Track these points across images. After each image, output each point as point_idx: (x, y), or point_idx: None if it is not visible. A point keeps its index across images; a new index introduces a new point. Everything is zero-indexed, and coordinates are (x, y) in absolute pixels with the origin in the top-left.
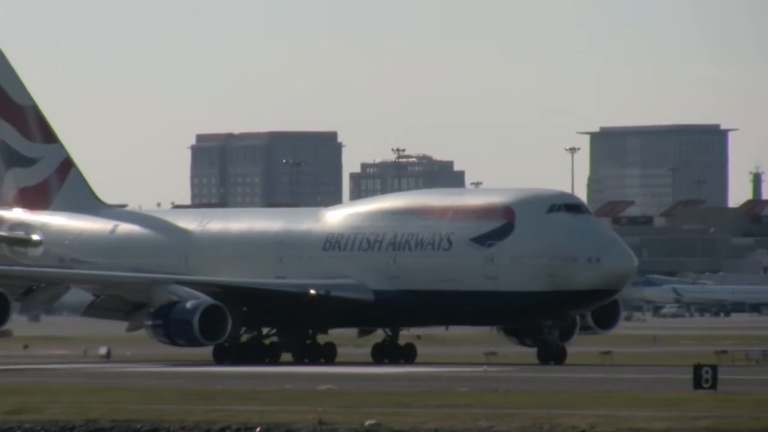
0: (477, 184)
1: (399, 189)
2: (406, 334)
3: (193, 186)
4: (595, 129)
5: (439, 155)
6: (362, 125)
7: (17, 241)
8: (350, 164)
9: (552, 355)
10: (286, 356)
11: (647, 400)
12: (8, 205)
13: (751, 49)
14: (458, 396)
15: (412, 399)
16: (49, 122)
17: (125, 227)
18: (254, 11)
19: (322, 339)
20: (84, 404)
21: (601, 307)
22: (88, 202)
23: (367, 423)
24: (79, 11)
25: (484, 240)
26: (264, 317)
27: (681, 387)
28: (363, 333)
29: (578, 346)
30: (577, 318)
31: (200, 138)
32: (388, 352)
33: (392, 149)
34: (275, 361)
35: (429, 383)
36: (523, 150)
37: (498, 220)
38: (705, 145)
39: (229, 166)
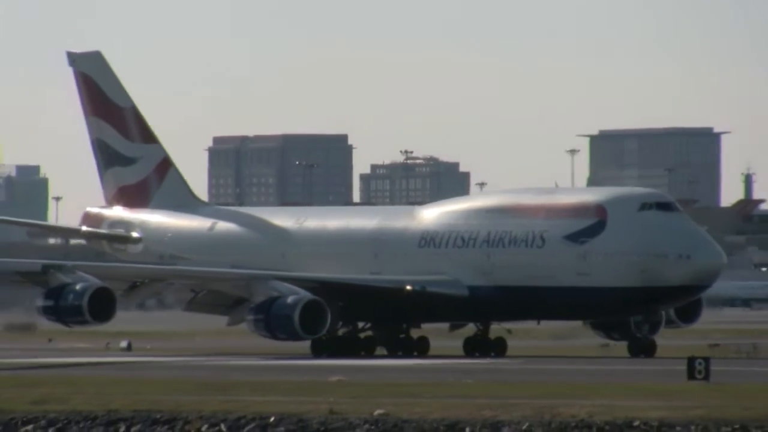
0: (482, 184)
1: (407, 190)
2: (497, 328)
3: (210, 186)
4: (595, 132)
5: (445, 157)
6: (372, 128)
7: (117, 238)
8: (360, 165)
9: (643, 349)
10: (380, 349)
11: (643, 391)
12: (108, 203)
13: (743, 55)
14: (465, 387)
15: (421, 390)
16: (148, 123)
17: (223, 225)
18: (266, 19)
19: (415, 333)
20: (106, 395)
21: None
22: (186, 201)
23: (376, 413)
24: (91, 14)
25: (576, 237)
26: (360, 312)
27: (675, 378)
28: (454, 327)
29: (583, 339)
30: (662, 312)
31: (217, 140)
32: (479, 346)
33: (400, 151)
34: (370, 354)
35: (437, 375)
36: (526, 151)
37: (590, 218)
38: (699, 147)
39: (244, 167)
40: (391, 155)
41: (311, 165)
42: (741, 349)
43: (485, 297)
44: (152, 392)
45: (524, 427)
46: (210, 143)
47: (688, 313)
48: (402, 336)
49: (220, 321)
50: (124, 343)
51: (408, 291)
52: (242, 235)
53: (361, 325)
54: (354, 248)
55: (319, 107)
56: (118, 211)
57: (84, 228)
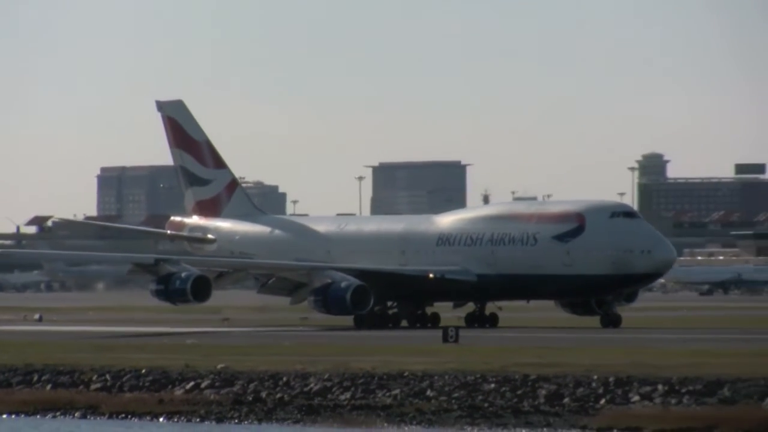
0: (295, 202)
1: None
2: (491, 306)
3: (98, 203)
4: (376, 163)
5: (268, 180)
6: None
7: (196, 239)
8: None
9: (612, 321)
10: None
11: (412, 350)
12: (188, 214)
13: (482, 107)
14: (288, 348)
15: (252, 350)
16: (219, 153)
17: (280, 229)
18: (128, 61)
19: (429, 310)
20: (24, 353)
21: None
22: (249, 211)
23: (219, 366)
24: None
25: (562, 238)
26: (390, 294)
27: (434, 342)
28: (457, 305)
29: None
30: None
31: (103, 170)
32: (477, 319)
33: (237, 177)
34: (396, 326)
35: (263, 339)
36: (325, 177)
37: (572, 223)
38: (451, 176)
39: (123, 189)
40: None
41: (171, 187)
42: None
43: (490, 282)
44: (59, 351)
45: (325, 377)
46: (98, 172)
47: (630, 296)
48: (419, 312)
49: (285, 301)
50: (36, 316)
51: (431, 278)
52: (296, 236)
53: (389, 304)
54: (385, 246)
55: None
56: (196, 220)
57: (169, 231)
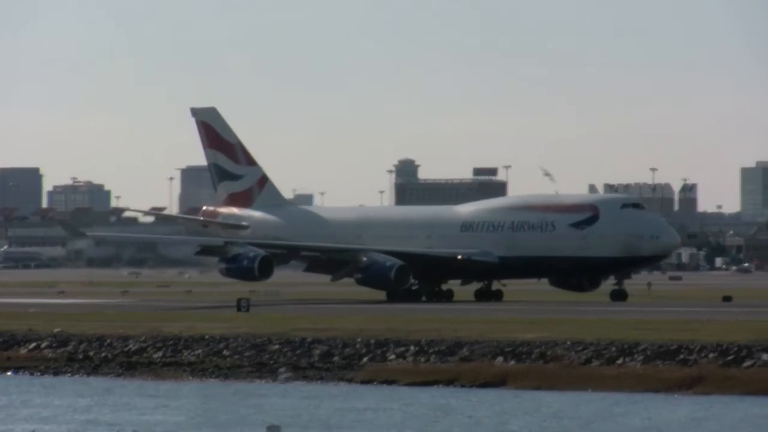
0: (118, 197)
1: (75, 202)
2: (496, 283)
3: None
4: (184, 166)
5: (96, 180)
6: (54, 162)
7: (231, 226)
8: (48, 185)
9: (620, 296)
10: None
11: (211, 318)
12: (220, 205)
13: (271, 115)
14: (111, 315)
15: (84, 317)
16: (250, 152)
17: (310, 217)
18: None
19: (444, 287)
20: None
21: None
22: (278, 202)
23: (55, 330)
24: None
25: (578, 225)
26: (415, 273)
27: (230, 311)
28: (464, 283)
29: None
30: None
31: None
32: (485, 295)
33: (70, 177)
34: (418, 301)
35: (94, 308)
36: (142, 176)
37: (587, 213)
38: None
39: None
40: (64, 180)
41: (17, 185)
42: (269, 293)
43: (511, 264)
44: None
45: (142, 339)
46: None
47: (596, 282)
48: (436, 289)
49: (326, 278)
50: None
51: (459, 260)
52: (325, 222)
53: (412, 281)
54: (413, 231)
55: (22, 146)
56: (230, 209)
57: (202, 218)
